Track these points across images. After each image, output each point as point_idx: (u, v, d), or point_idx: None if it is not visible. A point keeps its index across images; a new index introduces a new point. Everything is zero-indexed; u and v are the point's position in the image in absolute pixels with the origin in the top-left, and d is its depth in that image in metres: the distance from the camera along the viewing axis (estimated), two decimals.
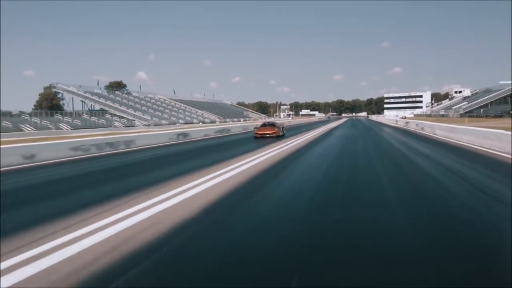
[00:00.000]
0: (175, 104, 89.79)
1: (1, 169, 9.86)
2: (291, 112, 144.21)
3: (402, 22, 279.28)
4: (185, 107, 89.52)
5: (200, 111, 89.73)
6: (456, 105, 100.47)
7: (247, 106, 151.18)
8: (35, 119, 48.14)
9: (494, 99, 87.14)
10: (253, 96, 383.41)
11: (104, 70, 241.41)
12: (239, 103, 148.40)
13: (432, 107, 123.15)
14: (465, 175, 7.58)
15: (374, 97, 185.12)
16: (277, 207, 5.33)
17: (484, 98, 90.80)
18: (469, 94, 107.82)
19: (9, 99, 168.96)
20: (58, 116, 53.34)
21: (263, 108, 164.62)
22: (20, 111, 51.31)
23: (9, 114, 49.08)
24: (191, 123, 71.01)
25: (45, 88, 79.56)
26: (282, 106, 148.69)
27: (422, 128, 25.47)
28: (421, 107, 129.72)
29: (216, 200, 5.64)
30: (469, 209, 5.05)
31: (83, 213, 4.92)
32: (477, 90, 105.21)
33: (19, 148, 11.33)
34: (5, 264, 3.27)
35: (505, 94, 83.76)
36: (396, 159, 10.88)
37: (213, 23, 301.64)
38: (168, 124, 62.55)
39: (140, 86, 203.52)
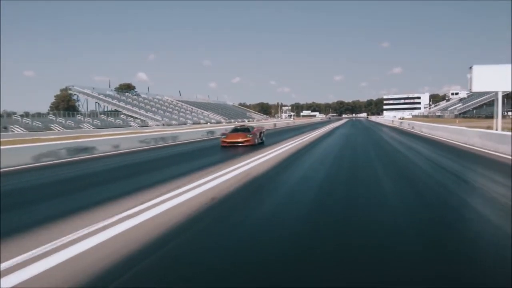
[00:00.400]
0: (182, 105, 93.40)
1: (107, 153, 13.93)
2: (292, 113, 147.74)
3: (402, 22, 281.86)
4: (192, 108, 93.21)
5: (205, 112, 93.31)
6: (452, 106, 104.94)
7: (249, 107, 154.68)
8: (59, 119, 52.44)
9: (487, 100, 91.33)
10: (254, 96, 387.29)
11: (104, 70, 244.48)
12: (240, 104, 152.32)
13: (429, 108, 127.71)
14: (423, 152, 11.88)
15: (374, 98, 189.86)
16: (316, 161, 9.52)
17: (478, 99, 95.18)
18: (465, 95, 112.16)
19: (9, 100, 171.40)
20: (79, 117, 57.64)
21: (264, 109, 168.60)
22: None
23: (42, 115, 53.43)
24: (199, 123, 74.67)
25: (61, 90, 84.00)
26: (283, 107, 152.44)
27: (413, 127, 29.75)
28: (419, 108, 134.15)
29: (280, 161, 10.13)
30: (418, 167, 9.33)
31: (214, 167, 9.09)
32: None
33: (108, 140, 15.57)
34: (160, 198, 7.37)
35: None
36: (384, 146, 15.15)
37: (213, 23, 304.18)
38: (179, 124, 66.32)
39: (148, 88, 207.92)
